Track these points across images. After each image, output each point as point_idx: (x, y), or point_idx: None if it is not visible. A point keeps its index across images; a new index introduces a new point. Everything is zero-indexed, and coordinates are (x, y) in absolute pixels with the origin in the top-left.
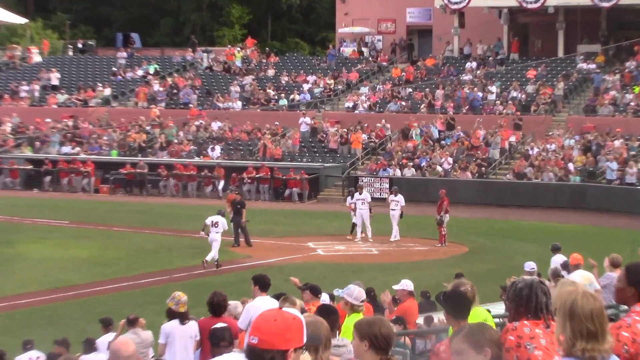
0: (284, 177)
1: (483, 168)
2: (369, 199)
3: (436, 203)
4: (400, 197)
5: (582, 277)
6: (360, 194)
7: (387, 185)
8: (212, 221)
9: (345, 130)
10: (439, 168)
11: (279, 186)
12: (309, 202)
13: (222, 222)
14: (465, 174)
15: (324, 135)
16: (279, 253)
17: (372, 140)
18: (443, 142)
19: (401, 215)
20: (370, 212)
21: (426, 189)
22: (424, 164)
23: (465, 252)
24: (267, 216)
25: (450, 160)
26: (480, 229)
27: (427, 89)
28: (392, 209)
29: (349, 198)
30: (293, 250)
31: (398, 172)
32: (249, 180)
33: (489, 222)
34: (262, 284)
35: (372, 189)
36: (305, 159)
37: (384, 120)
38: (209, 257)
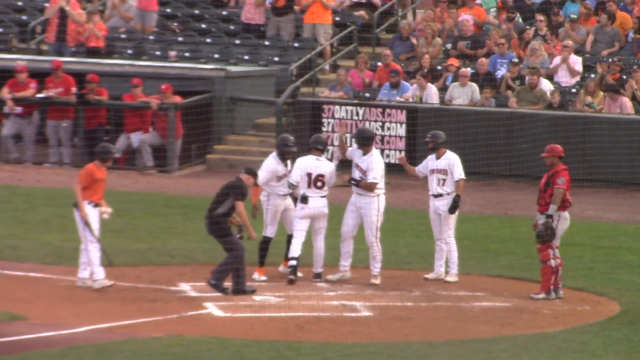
0: (113, 104)
1: None
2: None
3: (534, 182)
4: (451, 161)
5: None
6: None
7: (402, 130)
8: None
9: None
10: (544, 84)
11: (98, 127)
12: (181, 172)
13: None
14: (617, 103)
15: None
16: (106, 311)
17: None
18: (561, 13)
19: (453, 209)
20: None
21: (505, 145)
22: (502, 71)
23: (613, 317)
24: (62, 208)
25: (577, 62)
26: None
27: None
28: (435, 195)
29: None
30: (139, 307)
31: (431, 93)
32: (17, 110)
33: None
34: None
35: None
36: (175, 53)
37: None
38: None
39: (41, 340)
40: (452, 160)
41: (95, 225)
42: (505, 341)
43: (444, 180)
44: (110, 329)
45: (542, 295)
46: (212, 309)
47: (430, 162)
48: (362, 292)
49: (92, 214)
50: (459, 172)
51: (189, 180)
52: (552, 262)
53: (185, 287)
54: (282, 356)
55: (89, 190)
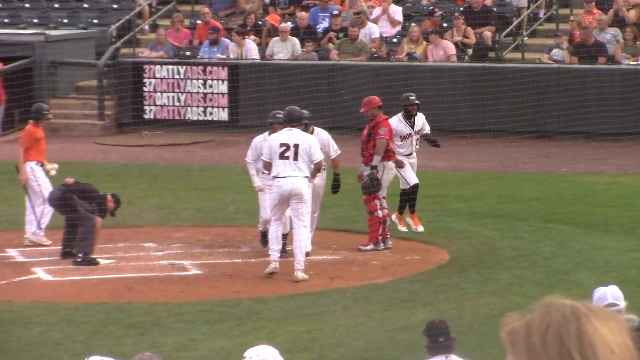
0: None
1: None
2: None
3: (357, 134)
4: (325, 139)
5: None
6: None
7: (224, 87)
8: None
9: None
10: (372, 28)
11: None
12: (4, 138)
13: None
14: (440, 47)
15: None
16: None
17: None
18: None
19: (337, 187)
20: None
21: (328, 97)
22: (324, 24)
23: (443, 266)
24: None
25: (397, 12)
26: (487, 200)
27: None
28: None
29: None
30: None
31: (250, 49)
32: None
33: (508, 181)
34: None
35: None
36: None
37: None
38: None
39: None
40: (325, 139)
41: (46, 184)
42: (336, 294)
43: None
44: None
45: (370, 247)
46: (41, 273)
47: None
48: (190, 250)
49: (40, 174)
50: (335, 149)
51: (13, 146)
52: (380, 213)
53: (13, 252)
54: (112, 318)
55: (33, 151)
